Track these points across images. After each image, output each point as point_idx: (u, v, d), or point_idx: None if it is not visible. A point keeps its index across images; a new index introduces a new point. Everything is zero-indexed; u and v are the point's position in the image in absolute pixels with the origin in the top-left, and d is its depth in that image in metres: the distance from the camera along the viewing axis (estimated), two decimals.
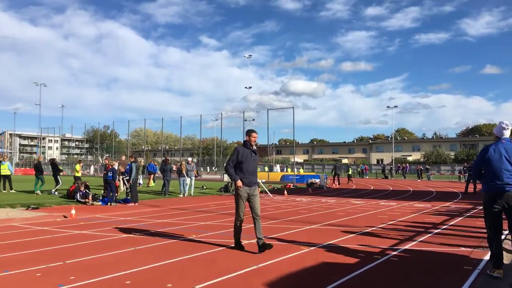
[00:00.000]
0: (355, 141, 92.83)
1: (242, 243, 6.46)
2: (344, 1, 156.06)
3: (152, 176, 24.11)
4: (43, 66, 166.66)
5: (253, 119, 46.27)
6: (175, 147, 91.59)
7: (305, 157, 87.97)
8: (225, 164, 6.50)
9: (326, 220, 9.84)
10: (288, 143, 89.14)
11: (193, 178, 18.27)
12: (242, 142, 6.62)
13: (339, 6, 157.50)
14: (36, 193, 16.75)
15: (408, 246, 6.78)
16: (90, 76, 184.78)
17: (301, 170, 38.20)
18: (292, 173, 30.78)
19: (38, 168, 17.77)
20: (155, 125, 46.51)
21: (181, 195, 17.10)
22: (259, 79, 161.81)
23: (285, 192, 19.11)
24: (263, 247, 6.12)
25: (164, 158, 19.57)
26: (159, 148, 69.45)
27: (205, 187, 21.58)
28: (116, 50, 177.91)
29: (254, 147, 6.43)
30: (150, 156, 77.13)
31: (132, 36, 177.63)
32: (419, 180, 37.23)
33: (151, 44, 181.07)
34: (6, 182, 18.03)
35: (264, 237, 6.35)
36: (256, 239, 6.24)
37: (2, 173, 17.99)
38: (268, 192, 18.03)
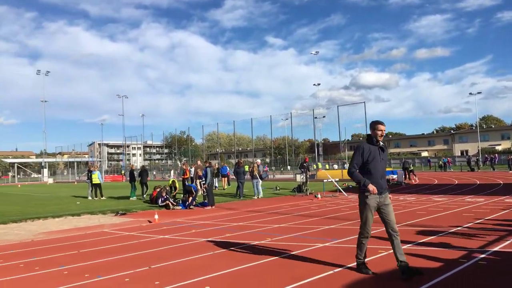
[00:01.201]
0: (435, 132, 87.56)
1: (367, 265, 5.18)
2: None
3: (225, 178, 24.80)
4: (123, 78, 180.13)
5: (324, 116, 45.65)
6: (248, 148, 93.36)
7: None
8: (348, 167, 5.19)
9: (405, 220, 9.40)
10: (361, 138, 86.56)
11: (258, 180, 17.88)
12: (366, 137, 5.22)
13: None
14: (131, 199, 18.27)
15: (498, 247, 6.25)
16: (166, 85, 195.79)
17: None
18: None
19: (131, 175, 19.83)
20: (227, 128, 47.95)
21: (255, 197, 17.39)
22: (328, 75, 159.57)
23: None
24: (408, 272, 4.78)
25: (237, 161, 20.06)
26: (233, 150, 71.37)
27: (278, 188, 21.72)
28: (187, 58, 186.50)
29: (382, 143, 5.11)
30: (225, 158, 79.43)
31: (201, 43, 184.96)
32: (511, 172, 34.04)
33: (220, 49, 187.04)
34: (97, 190, 19.71)
35: (335, 239, 6.22)
36: (397, 259, 4.93)
37: (93, 182, 19.68)
38: (343, 191, 17.66)
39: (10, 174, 73.85)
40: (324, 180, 19.28)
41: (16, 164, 73.72)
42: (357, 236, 5.30)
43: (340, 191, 17.57)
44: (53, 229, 10.23)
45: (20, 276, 5.61)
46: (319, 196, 16.39)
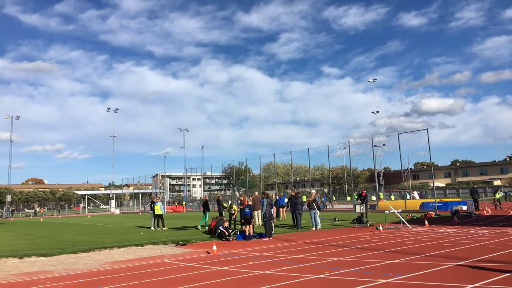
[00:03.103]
0: (508, 159, 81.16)
1: None
2: (477, 8, 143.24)
3: (283, 209, 24.55)
4: (185, 113, 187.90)
5: (384, 144, 44.24)
6: (305, 178, 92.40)
7: (447, 180, 79.95)
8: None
9: (477, 255, 8.70)
10: (425, 167, 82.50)
11: (315, 211, 17.66)
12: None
13: (471, 13, 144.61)
14: (198, 228, 19.03)
15: None
16: (224, 117, 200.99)
17: (416, 196, 36.53)
18: (433, 200, 28.18)
19: (205, 206, 20.41)
20: (284, 158, 47.85)
21: (313, 228, 17.03)
22: (387, 102, 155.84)
23: (426, 222, 17.54)
24: None
25: (294, 192, 19.87)
26: (290, 180, 70.99)
27: (337, 219, 21.12)
28: (245, 91, 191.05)
29: None
30: (282, 188, 79.11)
31: (258, 76, 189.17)
32: None
33: (276, 81, 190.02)
34: (159, 220, 20.38)
35: (399, 275, 5.90)
36: None
37: (156, 213, 20.41)
38: (406, 222, 16.79)
39: (81, 205, 78.69)
40: (386, 211, 18.50)
41: (86, 195, 78.53)
42: (424, 271, 4.99)
43: (403, 222, 16.72)
44: (118, 259, 10.68)
45: None
46: (380, 228, 15.70)
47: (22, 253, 12.17)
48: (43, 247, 13.69)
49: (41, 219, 44.02)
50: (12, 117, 65.79)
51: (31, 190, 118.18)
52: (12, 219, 51.93)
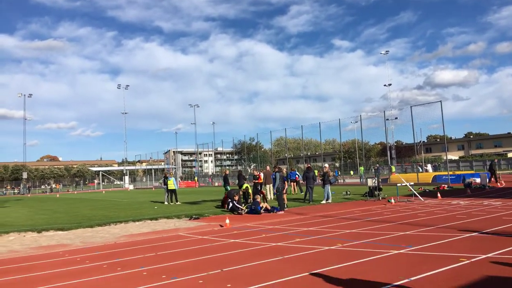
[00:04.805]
0: None
1: None
2: None
3: (294, 183, 24.67)
4: (195, 88, 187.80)
5: (396, 118, 43.72)
6: (317, 153, 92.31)
7: (461, 153, 79.13)
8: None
9: (490, 227, 8.67)
10: (438, 140, 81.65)
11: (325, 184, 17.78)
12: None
13: None
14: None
15: None
16: (235, 93, 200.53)
17: (429, 169, 36.74)
18: (446, 173, 28.01)
19: (225, 180, 20.80)
20: (295, 133, 47.73)
21: (324, 202, 17.12)
22: (399, 75, 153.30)
23: (439, 194, 17.48)
24: None
25: (307, 166, 19.91)
26: (301, 154, 70.97)
27: (349, 193, 21.17)
28: (254, 66, 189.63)
29: None
30: (293, 163, 79.25)
31: (268, 50, 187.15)
32: None
33: (286, 55, 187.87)
34: (172, 195, 20.67)
35: (411, 246, 5.91)
36: None
37: (169, 188, 20.68)
38: (418, 195, 16.76)
39: (96, 181, 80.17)
40: (398, 184, 18.45)
41: (100, 172, 79.80)
42: (436, 242, 4.99)
43: (415, 195, 16.69)
44: (134, 232, 10.91)
45: (104, 276, 6.06)
46: (392, 201, 15.70)
47: (40, 227, 12.50)
48: (60, 222, 14.04)
49: (57, 195, 45.04)
50: (24, 95, 66.49)
51: (47, 167, 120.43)
52: (29, 195, 53.25)
